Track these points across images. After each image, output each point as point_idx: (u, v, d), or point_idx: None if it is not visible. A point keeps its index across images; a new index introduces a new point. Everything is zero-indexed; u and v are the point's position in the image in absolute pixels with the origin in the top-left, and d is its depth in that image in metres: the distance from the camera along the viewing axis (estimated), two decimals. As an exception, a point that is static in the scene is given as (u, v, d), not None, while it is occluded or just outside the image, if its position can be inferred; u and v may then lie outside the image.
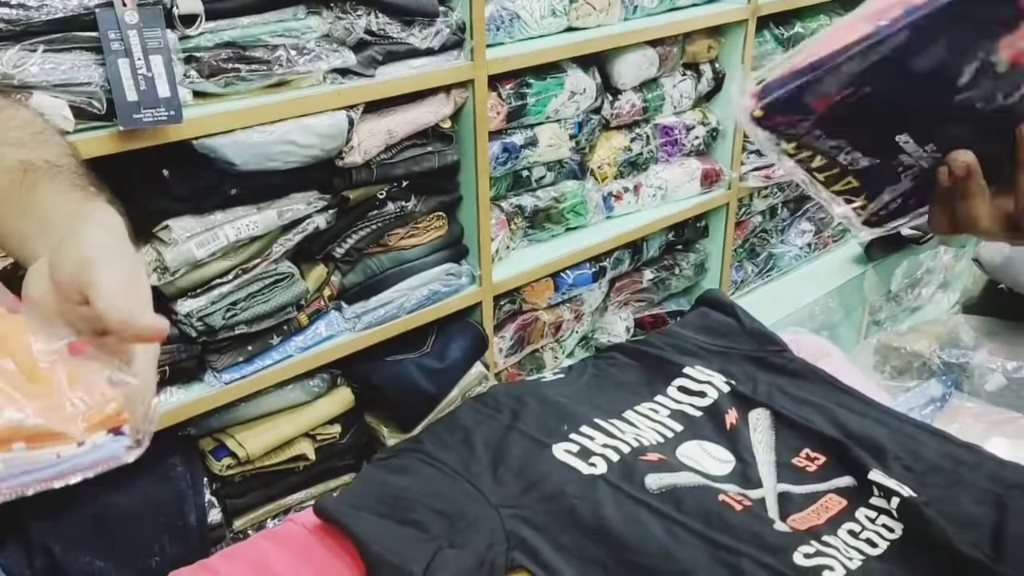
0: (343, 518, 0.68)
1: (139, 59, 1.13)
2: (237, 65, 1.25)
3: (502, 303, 1.85)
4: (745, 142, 2.21)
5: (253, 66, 1.26)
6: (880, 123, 0.55)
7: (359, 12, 1.36)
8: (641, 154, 2.01)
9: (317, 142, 1.34)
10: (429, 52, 1.46)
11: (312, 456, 1.53)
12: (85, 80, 1.12)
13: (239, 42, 1.26)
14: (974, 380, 1.05)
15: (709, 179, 2.14)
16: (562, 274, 1.94)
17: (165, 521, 1.34)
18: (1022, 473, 0.76)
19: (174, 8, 1.18)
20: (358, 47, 1.38)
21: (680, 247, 2.28)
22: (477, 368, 1.75)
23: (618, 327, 2.17)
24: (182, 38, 1.21)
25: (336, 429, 1.57)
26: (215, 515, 1.42)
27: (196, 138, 1.22)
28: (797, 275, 1.27)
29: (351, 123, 1.37)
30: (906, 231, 1.24)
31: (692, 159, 2.13)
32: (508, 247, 1.83)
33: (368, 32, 1.38)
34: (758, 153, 2.26)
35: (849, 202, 0.59)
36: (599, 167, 1.95)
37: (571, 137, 1.83)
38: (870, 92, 0.53)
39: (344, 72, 1.38)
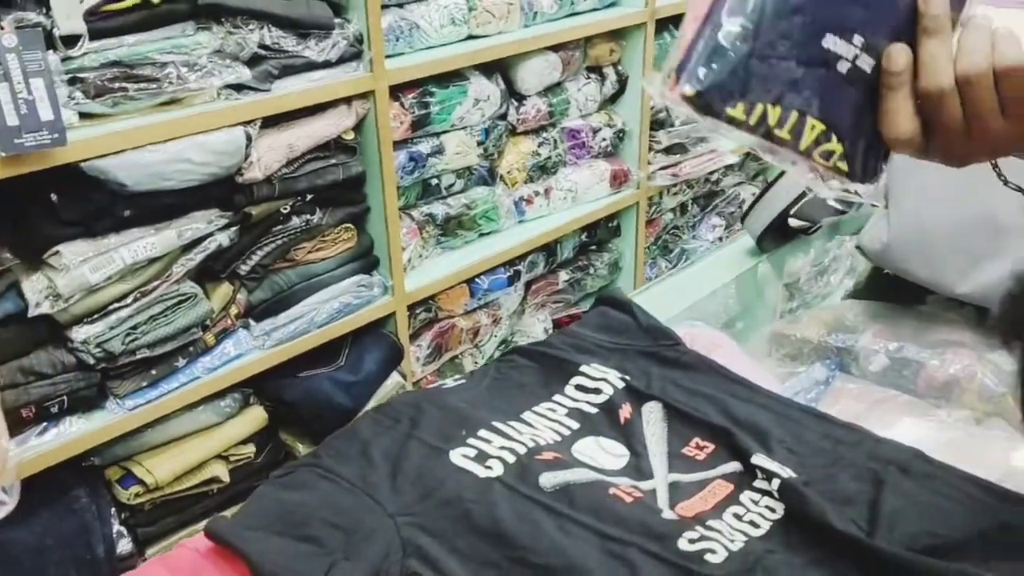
0: (234, 539, 0.67)
1: (19, 83, 1.10)
2: (124, 84, 1.22)
3: (417, 312, 1.85)
4: (652, 142, 2.26)
5: (141, 84, 1.24)
6: (801, 37, 0.51)
7: (251, 27, 1.34)
8: (550, 158, 2.04)
9: (214, 159, 1.33)
10: (327, 64, 1.46)
11: (226, 478, 1.50)
12: (-39, 105, 1.09)
13: (126, 61, 1.23)
14: (860, 362, 1.10)
15: (618, 179, 2.19)
16: (477, 280, 1.96)
17: (72, 554, 1.30)
18: (898, 449, 0.80)
19: (55, 29, 1.15)
20: (252, 62, 1.37)
21: (593, 247, 2.32)
22: (394, 378, 1.75)
23: (536, 329, 2.19)
24: (65, 59, 1.18)
25: (250, 449, 1.55)
26: (125, 545, 1.38)
27: (84, 160, 1.19)
28: (695, 269, 1.31)
29: (249, 139, 1.36)
30: (794, 222, 1.29)
31: (600, 161, 2.17)
32: (421, 255, 1.83)
33: (262, 46, 1.36)
34: (665, 152, 2.31)
35: (828, 157, 0.53)
36: (509, 172, 1.97)
37: (478, 144, 1.85)
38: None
39: (239, 87, 1.36)
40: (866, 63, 0.52)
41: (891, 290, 1.20)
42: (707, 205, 2.68)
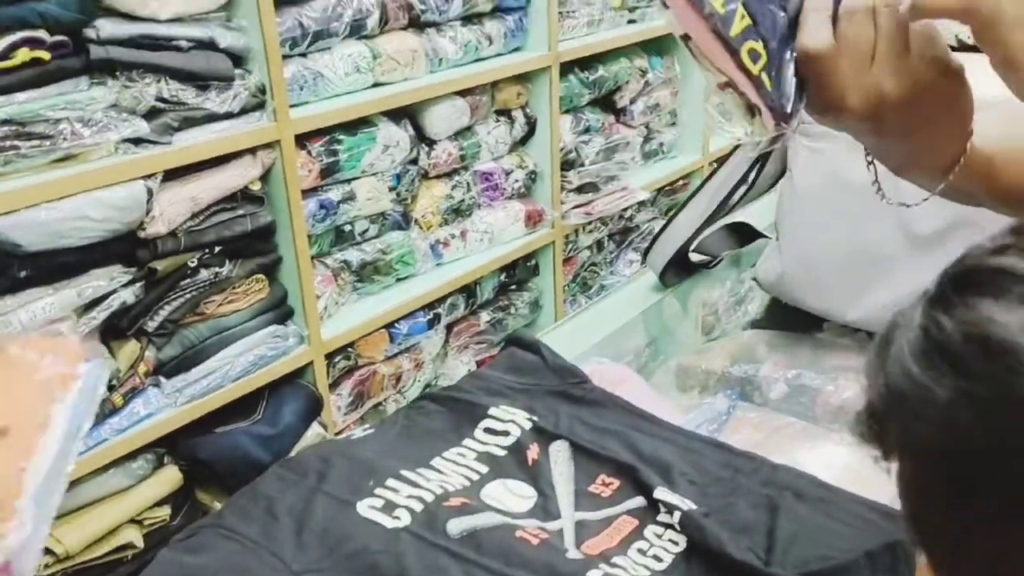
0: (132, 610, 0.65)
1: (-101, 144, 1.06)
2: (15, 143, 1.19)
3: (336, 360, 1.83)
4: (563, 181, 2.30)
5: (34, 142, 1.21)
6: None
7: (147, 80, 1.33)
8: (464, 200, 2.06)
9: (114, 215, 1.30)
10: (229, 116, 1.45)
11: (140, 543, 1.45)
12: None
13: (17, 119, 1.20)
14: (763, 391, 1.14)
15: (533, 219, 2.22)
16: (396, 324, 1.95)
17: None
18: (793, 474, 0.83)
19: (-61, 88, 1.13)
20: (151, 115, 1.36)
21: (513, 287, 2.34)
22: (314, 429, 1.72)
23: (460, 371, 2.19)
24: (-49, 118, 1.15)
25: (165, 511, 1.50)
26: (31, 621, 1.32)
27: (-26, 221, 1.16)
28: (604, 306, 1.33)
29: (150, 193, 1.34)
30: (695, 256, 1.33)
31: (514, 202, 2.20)
32: (337, 303, 1.82)
33: (160, 99, 1.35)
34: (577, 191, 2.36)
35: (755, 59, 0.53)
36: (423, 216, 1.98)
37: (391, 189, 1.86)
38: None
39: (137, 141, 1.34)
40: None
41: (789, 319, 1.24)
42: (623, 241, 2.73)
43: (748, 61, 0.53)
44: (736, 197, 1.31)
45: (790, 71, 0.54)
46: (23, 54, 1.19)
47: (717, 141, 2.76)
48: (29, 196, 1.20)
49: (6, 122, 1.20)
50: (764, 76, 0.54)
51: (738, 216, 1.42)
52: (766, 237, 1.38)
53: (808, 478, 0.80)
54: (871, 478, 0.87)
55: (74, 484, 1.38)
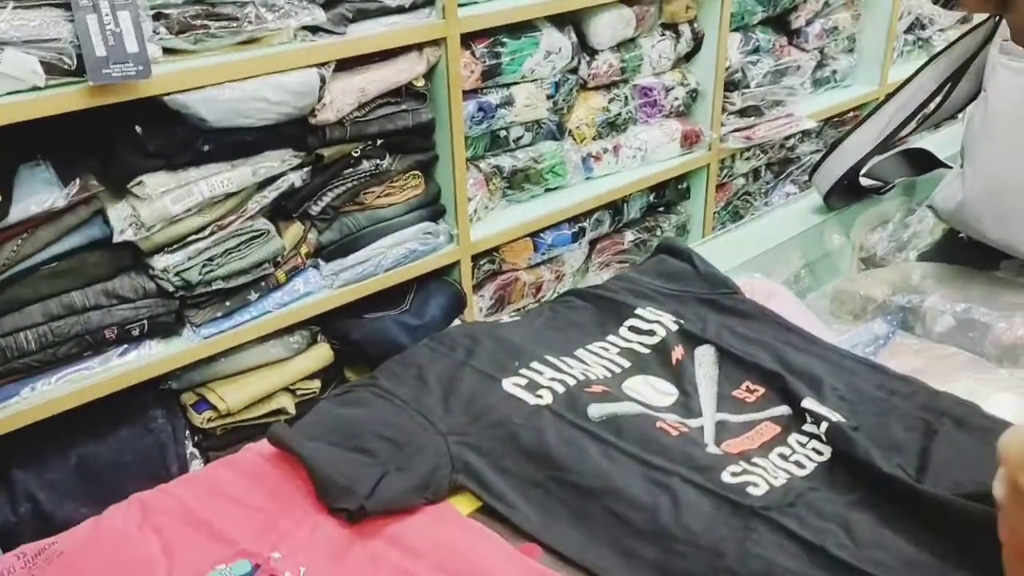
0: (294, 445, 0.71)
1: (107, 15, 1.15)
2: (206, 22, 1.26)
3: (481, 263, 1.88)
4: (726, 103, 2.22)
5: (222, 23, 1.28)
6: None
7: (329, -31, 1.37)
8: (620, 115, 2.02)
9: (289, 99, 1.36)
10: (400, 10, 1.48)
11: (292, 410, 1.57)
12: (54, 36, 1.14)
13: (207, 0, 1.27)
14: (925, 322, 1.08)
15: (689, 140, 2.16)
16: (541, 235, 1.97)
17: (147, 471, 1.38)
18: (954, 401, 0.79)
19: (142, -36, 1.20)
20: (328, 4, 1.40)
21: (661, 209, 2.30)
22: (456, 324, 1.78)
23: (599, 287, 2.20)
24: (151, -6, 1.22)
25: (316, 384, 1.61)
26: (197, 466, 1.46)
27: (167, 94, 1.24)
28: (759, 224, 1.29)
29: (323, 80, 1.39)
30: (865, 181, 1.26)
31: (672, 120, 2.14)
32: (486, 207, 1.85)
33: (338, -11, 1.39)
34: (739, 114, 2.27)
35: None
36: (577, 128, 1.97)
37: (548, 97, 1.85)
38: None
39: (314, 29, 1.39)
40: None
41: (963, 254, 1.17)
42: (781, 172, 2.62)
43: None
44: (918, 121, 1.23)
45: None
46: (217, -64, 1.25)
47: (898, 71, 2.57)
48: (215, 74, 1.28)
49: (199, 1, 1.27)
50: None
51: (917, 143, 1.32)
52: (947, 167, 1.28)
53: (971, 406, 0.76)
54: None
55: (237, 350, 1.50)
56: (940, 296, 1.09)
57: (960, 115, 1.25)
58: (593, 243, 2.17)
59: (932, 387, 0.81)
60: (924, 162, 1.32)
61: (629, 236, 2.23)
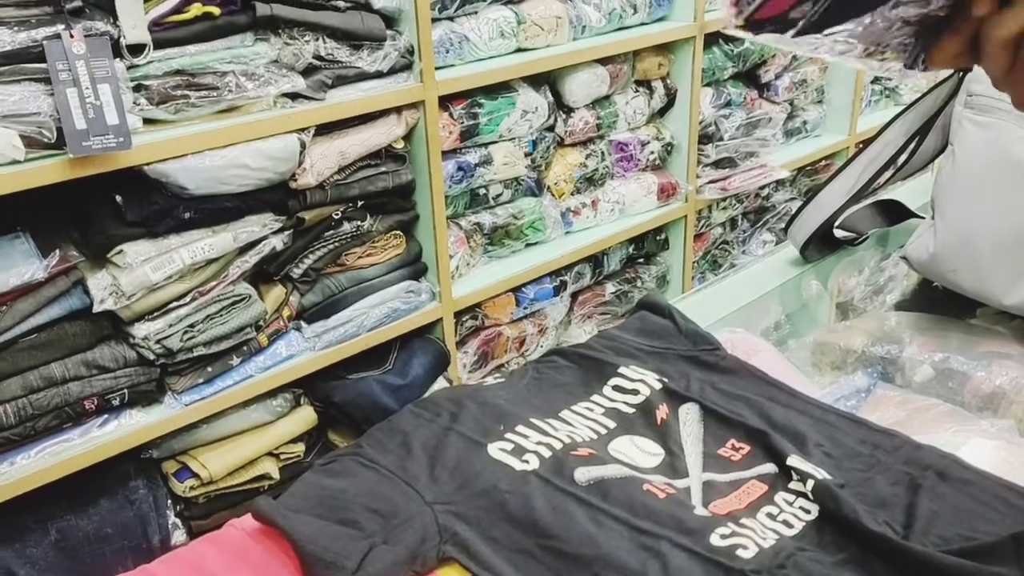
0: (279, 519, 0.70)
1: (87, 88, 1.16)
2: (186, 92, 1.28)
3: (464, 319, 1.88)
4: (700, 155, 2.26)
5: (202, 92, 1.29)
6: None
7: (307, 38, 1.39)
8: (597, 170, 2.05)
9: (269, 165, 1.38)
10: (378, 75, 1.50)
11: (276, 475, 1.55)
12: (34, 110, 1.15)
13: (188, 70, 1.29)
14: (905, 373, 1.09)
15: (666, 192, 2.19)
16: (523, 289, 1.98)
17: (128, 543, 1.35)
18: (936, 455, 0.79)
19: (121, 38, 1.22)
20: (307, 72, 1.42)
21: (641, 260, 2.32)
22: (440, 383, 1.77)
23: (583, 340, 2.20)
24: (130, 67, 1.24)
25: (300, 448, 1.59)
26: (180, 536, 1.43)
27: (147, 164, 1.25)
28: (738, 278, 1.31)
29: (303, 145, 1.40)
30: (840, 233, 1.29)
31: (648, 174, 2.18)
32: (468, 264, 1.86)
33: (317, 57, 1.41)
34: (714, 166, 2.31)
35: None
36: (556, 183, 1.99)
37: (526, 155, 1.88)
38: None
39: (294, 96, 1.41)
40: None
41: (939, 303, 1.18)
42: (757, 220, 2.66)
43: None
44: (888, 174, 1.26)
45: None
46: (196, 8, 1.27)
47: (866, 121, 2.64)
48: (195, 143, 1.29)
49: (178, 72, 1.28)
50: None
51: (889, 194, 1.35)
52: (919, 217, 1.31)
53: (952, 459, 0.77)
54: (1020, 465, 0.83)
55: (219, 416, 1.49)
56: (918, 346, 1.10)
57: (929, 167, 1.28)
58: (575, 296, 2.18)
59: (914, 440, 0.82)
60: (896, 213, 1.34)
61: (610, 288, 2.25)
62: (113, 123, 1.17)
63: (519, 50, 1.79)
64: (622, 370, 0.94)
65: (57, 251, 1.24)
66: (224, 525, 0.73)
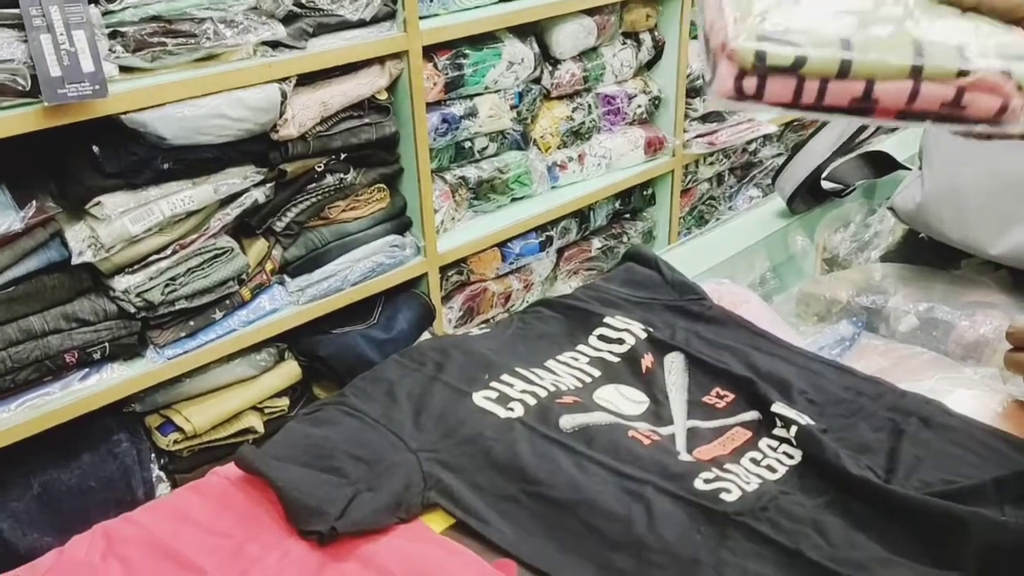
0: (262, 467, 0.70)
1: (61, 34, 1.13)
2: (163, 39, 1.25)
3: (449, 274, 1.87)
4: (688, 109, 2.24)
5: (180, 40, 1.26)
6: None
7: (287, -17, 1.36)
8: (584, 123, 2.03)
9: (250, 115, 1.35)
10: (361, 24, 1.47)
11: (261, 429, 1.54)
12: (7, 57, 1.12)
13: (165, 16, 1.25)
14: (890, 323, 1.09)
15: (653, 147, 2.17)
16: (509, 244, 1.97)
17: (112, 496, 1.35)
18: (920, 401, 0.80)
19: (96, -18, 1.18)
20: (288, 19, 1.39)
21: (627, 215, 2.31)
22: (425, 338, 1.77)
23: (568, 296, 2.20)
24: (105, 13, 1.20)
25: (284, 402, 1.59)
26: (163, 489, 1.43)
27: (124, 113, 1.22)
28: (724, 230, 1.31)
29: (284, 96, 1.38)
30: (827, 184, 1.28)
31: (635, 128, 2.16)
32: (453, 218, 1.85)
33: (297, 4, 1.38)
34: (701, 120, 2.29)
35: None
36: (542, 137, 1.97)
37: (512, 107, 1.85)
38: None
39: (275, 45, 1.38)
40: None
41: (924, 254, 1.18)
42: (744, 176, 2.65)
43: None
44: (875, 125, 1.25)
45: None
46: (172, -48, 1.23)
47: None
48: (174, 91, 1.26)
49: (155, 19, 1.25)
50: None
51: (876, 145, 1.34)
52: (906, 168, 1.30)
53: (936, 404, 0.77)
54: (1009, 414, 0.83)
55: (203, 370, 1.48)
56: (903, 296, 1.10)
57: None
58: (561, 251, 2.17)
59: (898, 387, 0.82)
60: (884, 164, 1.34)
61: (596, 243, 2.24)
62: (89, 70, 1.14)
63: (504, 0, 1.76)
64: (607, 320, 0.93)
65: (34, 202, 1.22)
66: (208, 473, 0.72)
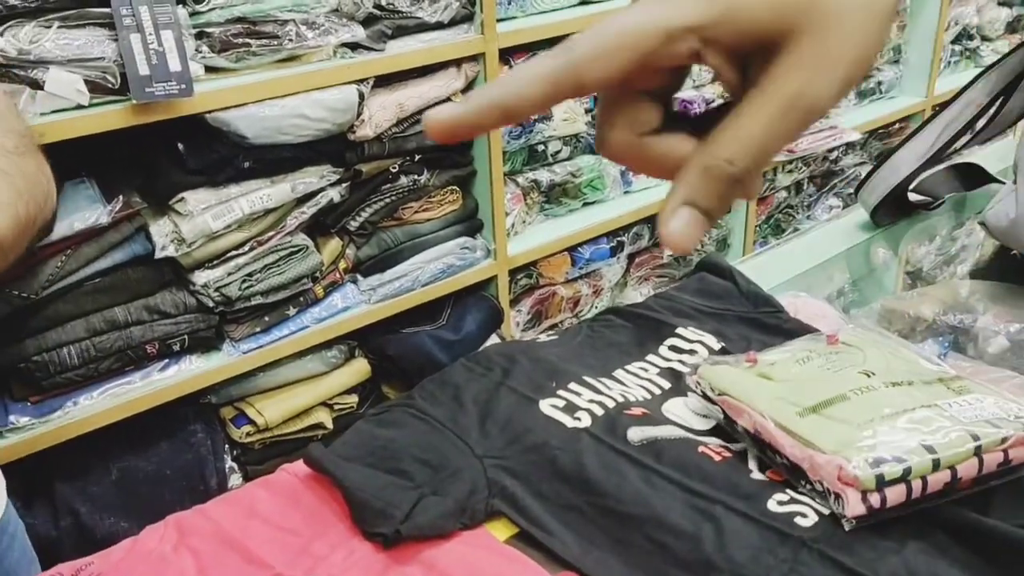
0: (330, 466, 0.70)
1: (150, 34, 1.17)
2: (247, 40, 1.27)
3: (518, 277, 1.87)
4: (766, 116, 2.18)
5: (263, 41, 1.29)
6: None
7: (367, -14, 1.38)
8: (659, 128, 2.00)
9: (328, 116, 1.37)
10: (439, 26, 1.48)
11: (330, 425, 1.57)
12: (99, 55, 1.16)
13: (249, 17, 1.28)
14: (978, 343, 1.04)
15: (729, 153, 2.13)
16: (579, 249, 1.95)
17: (186, 485, 1.39)
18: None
19: (185, -16, 1.21)
20: (367, 21, 1.40)
21: (701, 222, 2.27)
22: (493, 340, 1.77)
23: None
24: (193, 14, 1.24)
25: (353, 399, 1.61)
26: (236, 480, 1.47)
27: (208, 112, 1.26)
28: (803, 241, 1.27)
29: (361, 97, 1.39)
30: (914, 196, 1.23)
31: (712, 133, 2.12)
32: (524, 221, 1.84)
33: (377, 6, 1.40)
34: (780, 127, 2.23)
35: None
36: (616, 141, 1.95)
37: (587, 111, 1.84)
38: None
39: (354, 46, 1.40)
40: None
41: (1016, 272, 1.13)
42: (824, 184, 2.58)
43: None
44: (967, 137, 1.19)
45: None
46: (258, -45, 1.26)
47: (944, 82, 2.52)
48: (256, 92, 1.29)
49: (240, 20, 1.28)
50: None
51: (967, 157, 1.29)
52: (999, 182, 1.24)
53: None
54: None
55: (275, 365, 1.51)
56: (993, 316, 1.05)
57: (1012, 129, 1.21)
58: (632, 257, 2.15)
59: (987, 412, 0.78)
60: (975, 177, 1.28)
61: (668, 250, 2.20)
62: (175, 70, 1.18)
63: (583, 2, 1.75)
64: (679, 330, 0.91)
65: (120, 197, 1.26)
66: (277, 470, 0.73)
